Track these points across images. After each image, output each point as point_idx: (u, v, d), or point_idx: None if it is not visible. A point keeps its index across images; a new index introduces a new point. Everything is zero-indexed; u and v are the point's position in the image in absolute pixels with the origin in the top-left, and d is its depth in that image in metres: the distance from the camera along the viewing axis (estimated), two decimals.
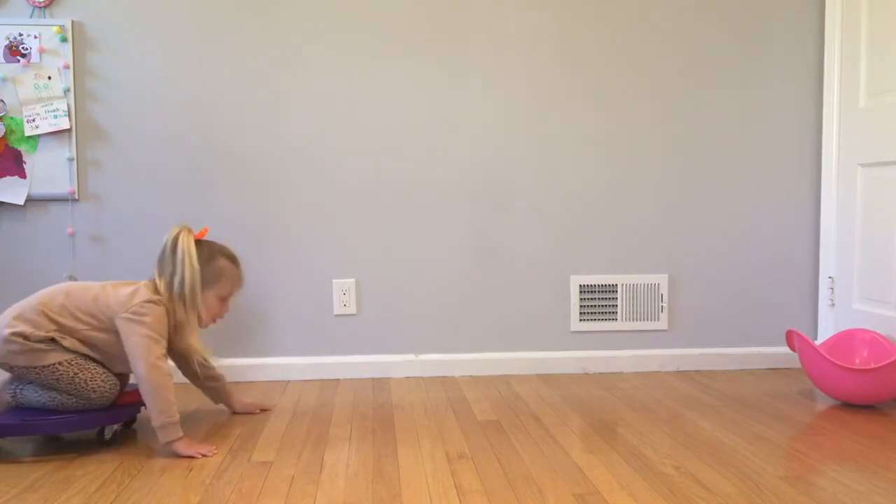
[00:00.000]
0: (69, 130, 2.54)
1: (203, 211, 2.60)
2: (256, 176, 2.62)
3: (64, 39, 2.52)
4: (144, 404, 1.88)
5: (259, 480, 1.68)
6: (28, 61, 2.52)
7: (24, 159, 2.54)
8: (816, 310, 2.74)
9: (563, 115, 2.68)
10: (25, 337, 1.84)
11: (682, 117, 2.71)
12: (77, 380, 1.86)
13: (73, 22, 2.54)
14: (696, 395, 2.38)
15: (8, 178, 2.54)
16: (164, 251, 1.97)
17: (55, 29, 2.52)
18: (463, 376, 2.66)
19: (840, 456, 1.80)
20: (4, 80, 2.52)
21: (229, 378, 2.61)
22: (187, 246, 1.94)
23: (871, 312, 2.47)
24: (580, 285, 2.70)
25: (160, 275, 1.96)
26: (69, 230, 2.57)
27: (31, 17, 2.53)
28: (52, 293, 1.94)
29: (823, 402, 2.27)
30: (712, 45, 2.70)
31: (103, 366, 1.92)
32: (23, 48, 2.52)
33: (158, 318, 1.90)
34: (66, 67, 2.53)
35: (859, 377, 2.14)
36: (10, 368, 1.89)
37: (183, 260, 1.93)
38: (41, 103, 2.53)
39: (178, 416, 1.86)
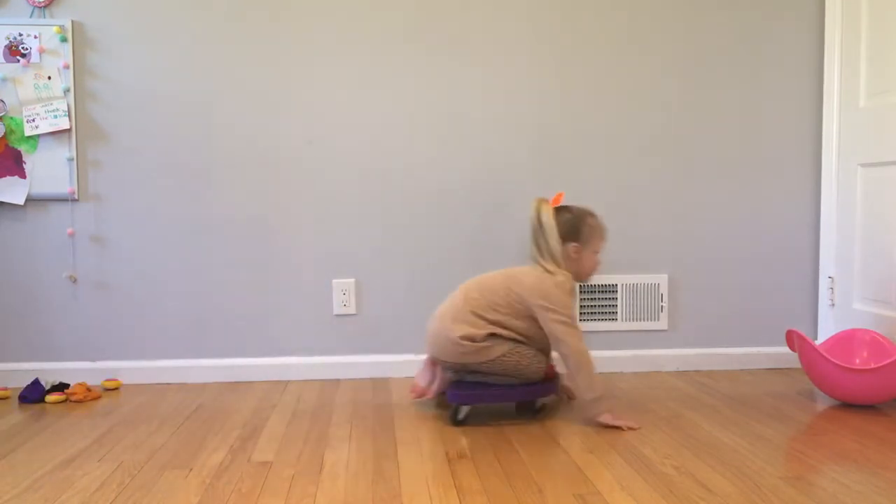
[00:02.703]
0: (69, 130, 2.54)
1: (203, 210, 2.60)
2: (256, 175, 2.62)
3: (64, 39, 2.52)
4: (554, 378, 2.18)
5: (259, 480, 1.68)
6: (28, 61, 2.52)
7: (24, 159, 2.54)
8: (816, 310, 2.74)
9: (564, 115, 2.67)
10: (472, 339, 2.04)
11: (683, 117, 2.71)
12: (520, 366, 2.06)
13: (73, 22, 2.54)
14: (696, 395, 2.38)
15: (8, 178, 2.54)
16: (533, 228, 2.12)
17: (55, 29, 2.52)
18: None
19: (840, 456, 1.80)
20: (4, 80, 2.52)
21: (229, 378, 2.62)
22: (549, 217, 2.09)
23: (871, 312, 2.47)
24: (580, 285, 2.70)
25: (540, 252, 2.11)
26: (69, 230, 2.57)
27: (31, 17, 2.53)
28: (468, 293, 2.13)
29: (823, 402, 2.27)
30: (713, 45, 2.70)
31: (530, 346, 2.11)
32: (23, 48, 2.52)
33: (565, 299, 2.06)
34: (66, 67, 2.53)
35: (859, 377, 2.14)
36: (462, 367, 2.11)
37: (551, 229, 2.08)
38: (41, 103, 2.53)
39: (603, 390, 2.05)
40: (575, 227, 2.12)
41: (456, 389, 2.11)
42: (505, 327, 2.07)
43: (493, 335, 2.06)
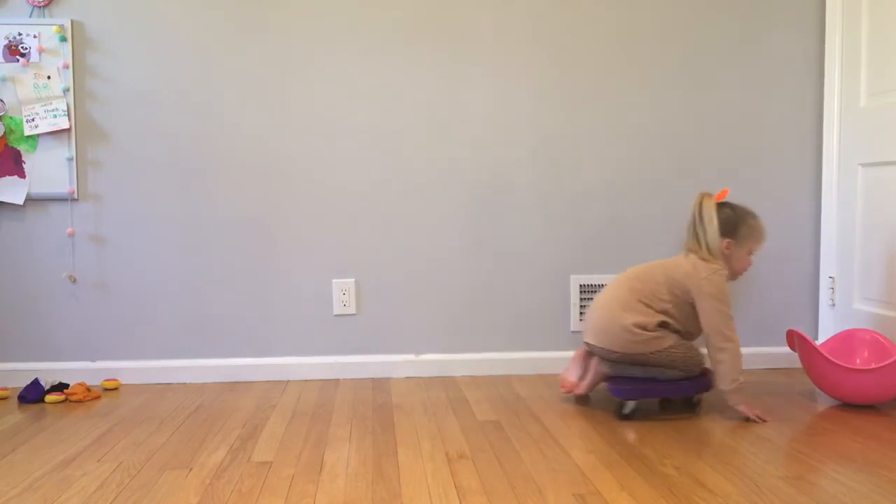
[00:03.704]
0: (68, 130, 2.54)
1: (203, 210, 2.60)
2: (256, 175, 2.61)
3: (63, 39, 2.52)
4: (708, 372, 2.17)
5: (259, 480, 1.68)
6: (27, 61, 2.52)
7: (23, 159, 2.54)
8: (816, 310, 2.74)
9: (564, 115, 2.67)
10: (644, 327, 2.08)
11: (683, 117, 2.70)
12: (686, 358, 2.11)
13: (72, 21, 2.53)
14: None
15: (7, 178, 2.54)
16: (693, 219, 2.16)
17: (55, 28, 2.52)
18: (463, 376, 2.66)
19: (840, 456, 1.80)
20: (4, 79, 2.52)
21: (228, 377, 2.62)
22: (710, 210, 2.13)
23: (871, 312, 2.47)
24: (580, 285, 2.70)
25: (698, 242, 2.14)
26: (69, 230, 2.57)
27: (30, 16, 2.53)
28: (631, 283, 2.16)
29: (823, 402, 2.27)
30: (713, 44, 2.69)
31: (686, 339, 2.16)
32: (22, 48, 2.52)
33: (725, 287, 2.10)
34: (66, 67, 2.53)
35: (860, 377, 2.14)
36: (627, 357, 2.12)
37: (711, 222, 2.12)
38: (40, 103, 2.53)
39: (743, 383, 2.08)
40: (734, 223, 2.15)
41: (621, 385, 2.13)
42: (671, 317, 2.11)
43: (663, 325, 2.10)
